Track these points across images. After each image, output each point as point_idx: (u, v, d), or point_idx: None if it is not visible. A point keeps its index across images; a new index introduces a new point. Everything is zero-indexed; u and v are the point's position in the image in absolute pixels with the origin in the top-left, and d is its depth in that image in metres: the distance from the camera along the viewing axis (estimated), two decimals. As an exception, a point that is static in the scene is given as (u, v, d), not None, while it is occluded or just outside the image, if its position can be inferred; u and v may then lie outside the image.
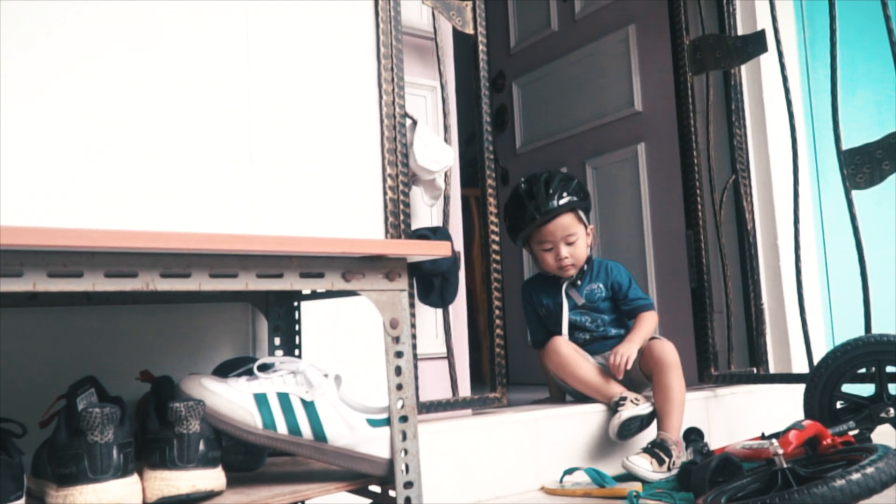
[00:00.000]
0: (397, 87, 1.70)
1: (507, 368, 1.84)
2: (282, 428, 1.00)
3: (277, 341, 1.38)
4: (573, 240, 2.04)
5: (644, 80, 2.81)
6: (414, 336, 1.64)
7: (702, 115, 2.42)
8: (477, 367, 2.86)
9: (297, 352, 1.37)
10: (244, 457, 1.13)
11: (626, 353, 1.91)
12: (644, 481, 1.69)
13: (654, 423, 1.88)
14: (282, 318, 1.38)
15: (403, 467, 1.03)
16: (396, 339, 1.05)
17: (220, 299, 1.34)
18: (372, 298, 1.04)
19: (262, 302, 1.37)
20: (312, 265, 0.99)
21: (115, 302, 1.24)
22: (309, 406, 1.02)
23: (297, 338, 1.38)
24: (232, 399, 1.00)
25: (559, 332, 2.05)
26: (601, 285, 2.08)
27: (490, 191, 1.84)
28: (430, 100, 1.91)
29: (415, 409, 1.05)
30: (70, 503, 0.86)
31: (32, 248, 0.79)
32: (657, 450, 1.78)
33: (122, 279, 0.85)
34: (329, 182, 1.57)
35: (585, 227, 2.07)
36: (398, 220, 1.66)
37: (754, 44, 2.26)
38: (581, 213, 2.06)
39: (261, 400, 1.01)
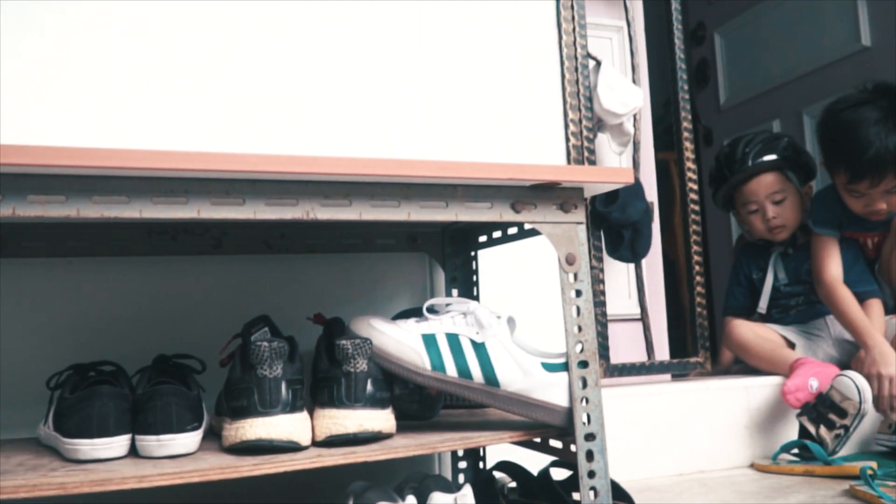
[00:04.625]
0: (578, 27, 1.58)
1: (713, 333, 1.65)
2: (451, 370, 0.93)
3: (455, 293, 1.32)
4: (780, 198, 1.81)
5: (873, 9, 2.44)
6: (603, 293, 1.52)
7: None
8: (680, 344, 2.65)
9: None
10: (418, 405, 1.08)
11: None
12: None
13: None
14: (458, 268, 1.33)
15: (585, 417, 0.93)
16: (574, 277, 0.94)
17: (396, 249, 1.31)
18: (545, 231, 0.94)
19: (438, 252, 1.32)
20: (479, 194, 0.91)
21: (294, 251, 1.25)
22: (479, 347, 0.94)
23: (474, 289, 1.31)
24: (400, 339, 0.95)
25: (759, 307, 1.85)
26: None
27: (686, 134, 1.66)
28: (615, 41, 1.76)
29: (595, 354, 0.94)
30: (241, 435, 0.85)
31: (197, 176, 0.79)
32: None
33: (282, 207, 0.83)
34: (506, 129, 1.49)
35: (798, 188, 1.83)
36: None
37: None
38: (790, 174, 1.82)
39: (429, 341, 0.95)
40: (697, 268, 1.62)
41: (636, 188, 1.52)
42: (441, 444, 0.90)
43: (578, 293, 0.95)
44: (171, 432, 0.85)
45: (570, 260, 0.94)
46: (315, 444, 0.89)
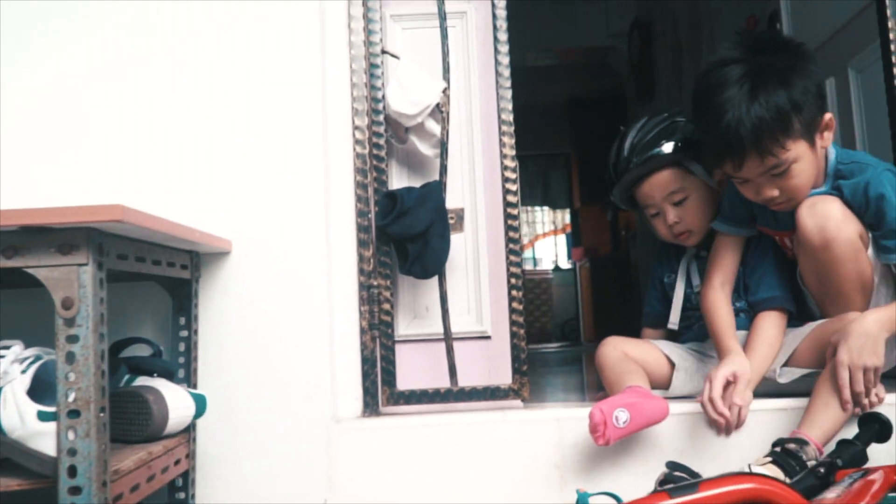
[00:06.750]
0: (369, 22, 1.45)
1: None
2: (-34, 417, 0.94)
3: (182, 321, 1.31)
4: (679, 198, 1.51)
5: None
6: (388, 313, 1.40)
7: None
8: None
9: (193, 329, 1.30)
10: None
11: (740, 400, 1.30)
12: None
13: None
14: (185, 296, 1.31)
15: (67, 469, 0.88)
16: (70, 322, 0.90)
17: (124, 279, 1.32)
18: (41, 276, 0.91)
19: (165, 280, 1.31)
20: (-39, 242, 0.91)
21: (13, 287, 1.31)
22: (-6, 394, 0.94)
23: (192, 316, 1.29)
24: (-63, 385, 0.97)
25: (670, 321, 1.58)
26: None
27: (505, 128, 1.45)
28: (458, 30, 1.58)
29: (90, 403, 0.89)
30: None
31: None
32: (790, 459, 1.19)
33: None
34: (287, 144, 1.41)
35: (705, 179, 1.51)
36: (366, 179, 1.42)
37: None
38: (693, 165, 1.50)
39: (-36, 386, 0.96)
40: (514, 280, 1.41)
41: (422, 196, 1.36)
42: (-62, 491, 0.91)
43: (74, 339, 0.90)
44: None
45: (66, 304, 0.90)
46: None
